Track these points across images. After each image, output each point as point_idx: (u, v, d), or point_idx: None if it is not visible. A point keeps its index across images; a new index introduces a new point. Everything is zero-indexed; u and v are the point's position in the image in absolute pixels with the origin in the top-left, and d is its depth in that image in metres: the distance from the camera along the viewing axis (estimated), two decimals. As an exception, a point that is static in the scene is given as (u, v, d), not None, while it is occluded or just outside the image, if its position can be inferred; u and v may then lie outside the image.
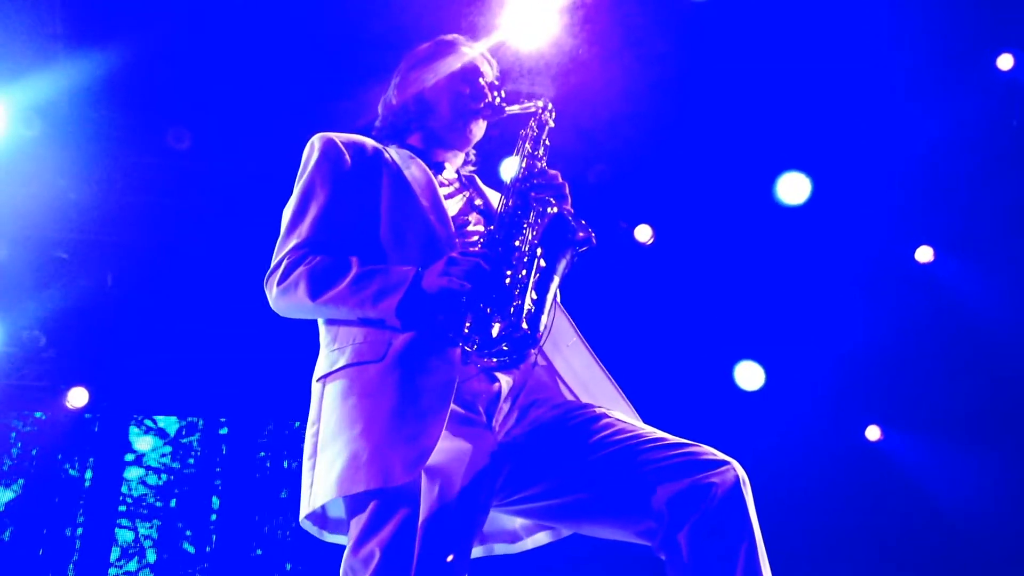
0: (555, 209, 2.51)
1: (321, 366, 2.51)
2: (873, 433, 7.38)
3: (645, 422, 2.58)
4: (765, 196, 7.12)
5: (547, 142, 2.71)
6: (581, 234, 2.49)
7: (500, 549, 2.67)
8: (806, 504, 7.03)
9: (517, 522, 2.67)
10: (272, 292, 2.52)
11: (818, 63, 6.46)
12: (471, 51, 2.92)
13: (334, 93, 5.89)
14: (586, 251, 2.50)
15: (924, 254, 7.21)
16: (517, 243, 2.48)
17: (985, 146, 6.85)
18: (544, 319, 2.42)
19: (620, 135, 6.68)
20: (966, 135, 6.83)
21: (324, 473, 2.32)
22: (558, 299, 2.70)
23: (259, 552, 9.84)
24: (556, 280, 2.47)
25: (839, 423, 7.36)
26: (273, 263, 2.53)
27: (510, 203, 2.56)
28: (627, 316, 7.08)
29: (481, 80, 2.85)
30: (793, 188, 7.11)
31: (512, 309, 2.37)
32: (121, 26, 5.88)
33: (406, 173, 2.64)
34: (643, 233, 7.23)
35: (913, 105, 6.67)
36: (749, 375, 7.45)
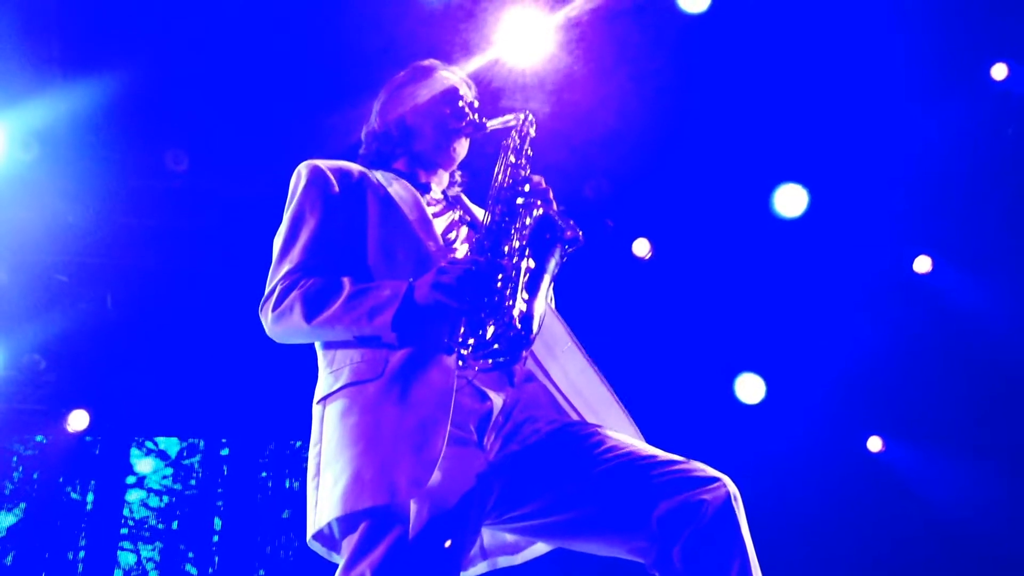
0: (541, 210, 2.54)
1: (321, 388, 2.52)
2: (875, 444, 7.37)
3: (645, 436, 2.59)
4: (762, 209, 7.13)
5: (529, 152, 2.74)
6: (569, 233, 2.52)
7: (504, 561, 2.67)
8: (808, 516, 7.02)
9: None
10: (268, 319, 2.53)
11: (812, 75, 6.48)
12: (449, 74, 2.96)
13: (331, 110, 5.91)
14: (575, 250, 2.53)
15: (922, 264, 7.22)
16: (506, 248, 2.50)
17: (981, 155, 6.87)
18: (536, 318, 2.44)
19: (616, 150, 6.69)
20: (962, 145, 6.85)
21: (328, 492, 2.32)
22: (552, 304, 2.73)
23: (262, 573, 9.81)
24: (547, 279, 2.50)
25: (840, 435, 7.35)
26: (267, 290, 2.55)
27: (497, 211, 2.59)
28: (627, 331, 7.08)
29: (461, 101, 2.88)
30: (790, 200, 7.12)
31: (504, 310, 2.39)
32: (118, 50, 5.90)
33: (391, 191, 2.68)
34: (641, 247, 7.23)
35: (908, 115, 6.68)
36: (750, 388, 7.45)
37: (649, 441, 2.55)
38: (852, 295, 7.24)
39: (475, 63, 5.81)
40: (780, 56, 6.41)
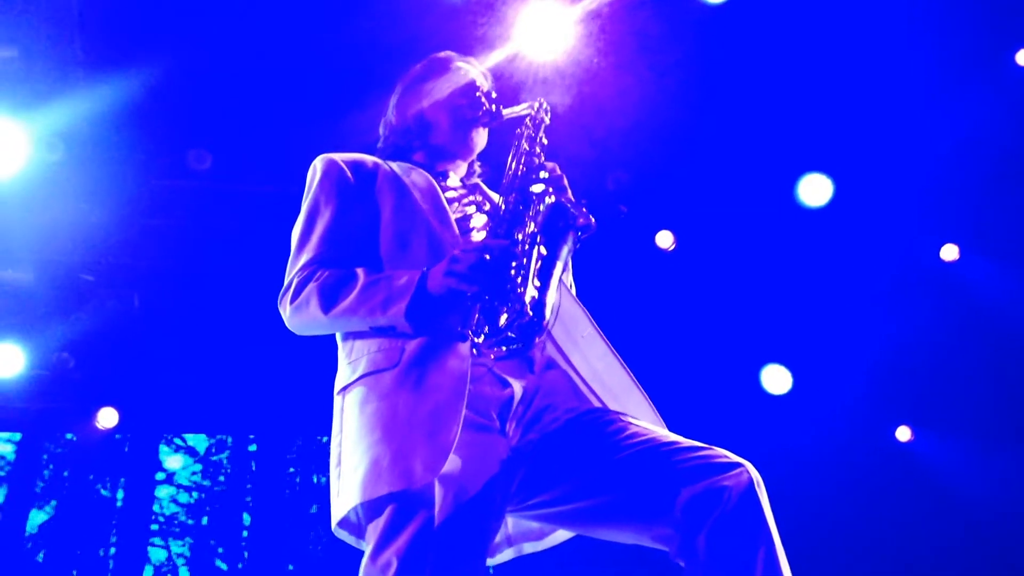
0: (553, 198, 2.54)
1: (340, 379, 2.55)
2: (903, 434, 7.33)
3: (672, 427, 2.58)
4: (787, 198, 7.10)
5: (544, 140, 2.76)
6: (581, 220, 2.52)
7: (529, 548, 2.69)
8: (836, 507, 7.00)
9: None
10: (286, 311, 2.57)
11: (835, 64, 6.44)
12: (465, 65, 2.98)
13: (354, 106, 5.91)
14: (587, 237, 2.53)
15: (949, 252, 7.16)
16: (519, 235, 2.51)
17: (1006, 142, 6.80)
18: (549, 305, 2.44)
19: (638, 142, 6.67)
20: (986, 131, 6.78)
21: (349, 479, 2.36)
22: (573, 291, 2.73)
23: (291, 568, 9.87)
24: (559, 266, 2.50)
25: (868, 425, 7.32)
26: (285, 283, 2.59)
27: (511, 199, 2.60)
28: (653, 322, 7.08)
29: (477, 91, 2.90)
30: (815, 190, 7.09)
31: (517, 297, 2.40)
32: (141, 50, 5.93)
33: (406, 180, 2.70)
34: (665, 239, 7.22)
35: (932, 102, 6.64)
36: (776, 379, 7.43)
37: (676, 433, 2.54)
38: (878, 284, 7.20)
39: (495, 57, 5.81)
40: (802, 45, 6.37)
